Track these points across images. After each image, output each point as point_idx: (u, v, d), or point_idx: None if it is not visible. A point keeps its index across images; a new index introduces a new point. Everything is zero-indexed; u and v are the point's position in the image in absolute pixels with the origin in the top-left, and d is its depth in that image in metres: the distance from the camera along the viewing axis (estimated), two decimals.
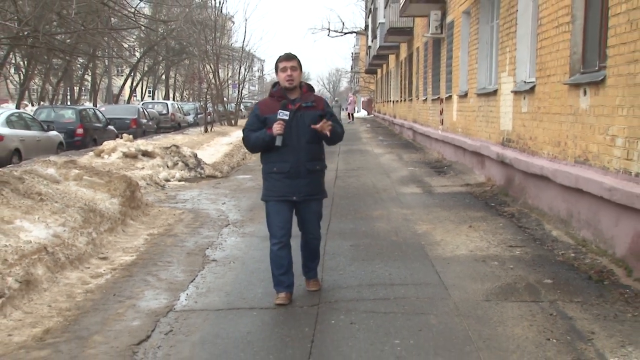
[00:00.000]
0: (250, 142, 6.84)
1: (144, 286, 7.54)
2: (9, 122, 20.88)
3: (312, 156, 6.73)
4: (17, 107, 33.95)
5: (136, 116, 35.53)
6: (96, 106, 39.51)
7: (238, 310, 6.63)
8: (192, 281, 7.74)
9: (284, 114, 6.46)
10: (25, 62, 37.39)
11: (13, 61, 39.40)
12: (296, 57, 6.76)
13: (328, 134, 6.59)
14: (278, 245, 6.72)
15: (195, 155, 19.39)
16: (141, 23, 19.01)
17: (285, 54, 6.78)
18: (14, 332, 6.05)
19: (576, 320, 6.17)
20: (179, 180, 17.14)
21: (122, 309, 6.72)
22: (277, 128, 6.45)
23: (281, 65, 6.66)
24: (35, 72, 40.99)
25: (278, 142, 6.48)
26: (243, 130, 6.91)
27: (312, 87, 7.10)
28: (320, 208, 7.07)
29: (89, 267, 8.19)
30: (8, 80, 48.54)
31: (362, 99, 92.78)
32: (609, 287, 7.15)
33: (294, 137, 6.59)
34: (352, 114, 64.02)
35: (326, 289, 6.97)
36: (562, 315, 6.30)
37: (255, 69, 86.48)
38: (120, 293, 7.27)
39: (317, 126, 6.53)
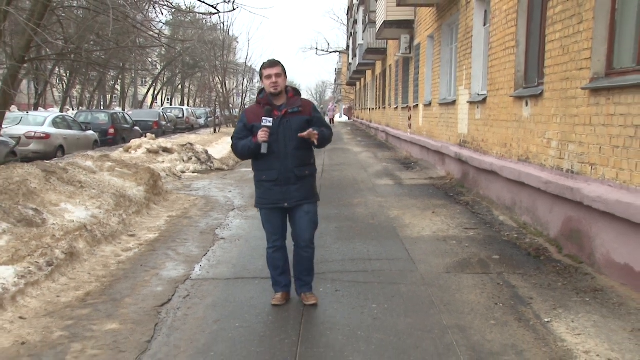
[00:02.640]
0: (238, 151, 5.78)
1: (165, 259, 7.53)
2: (55, 123, 20.92)
3: (300, 162, 5.63)
4: (61, 111, 33.75)
5: (157, 119, 35.70)
6: (124, 110, 39.35)
7: (243, 280, 6.63)
8: (204, 255, 7.72)
9: (267, 121, 5.44)
10: (68, 74, 37.26)
11: (57, 73, 39.22)
12: (280, 63, 5.70)
13: (315, 142, 5.56)
14: (272, 249, 5.82)
15: (206, 152, 19.34)
16: (163, 42, 18.96)
17: (269, 61, 5.70)
18: (61, 294, 6.09)
19: (518, 288, 6.22)
20: (193, 172, 17.12)
21: (148, 277, 6.73)
22: (261, 135, 5.43)
23: (265, 72, 5.58)
24: (76, 82, 40.85)
25: (263, 149, 5.46)
26: (231, 138, 5.87)
27: (298, 91, 5.93)
28: (313, 210, 5.81)
29: (120, 243, 8.20)
30: (54, 89, 48.25)
31: (344, 106, 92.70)
32: (544, 262, 7.19)
33: (280, 144, 5.54)
34: (333, 119, 63.99)
35: (315, 263, 6.91)
36: (507, 285, 6.34)
37: (255, 80, 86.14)
38: (146, 264, 7.28)
39: (305, 134, 5.48)
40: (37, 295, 5.94)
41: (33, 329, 5.20)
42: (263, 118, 5.46)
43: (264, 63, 5.67)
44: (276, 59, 5.76)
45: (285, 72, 5.72)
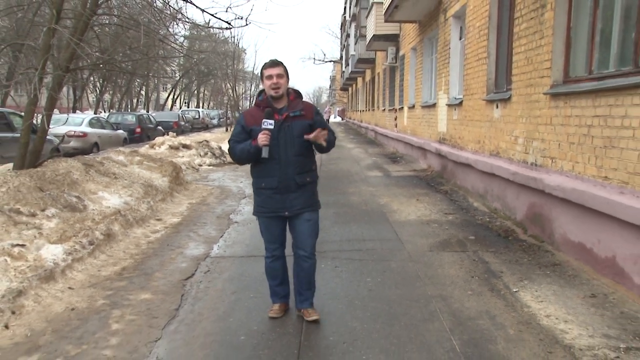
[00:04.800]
0: (235, 155, 4.63)
1: (188, 239, 7.57)
2: (91, 124, 21.02)
3: (301, 169, 4.58)
4: (95, 113, 33.74)
5: (177, 120, 35.77)
6: (149, 112, 39.32)
7: (255, 257, 6.63)
8: (221, 236, 7.75)
9: (269, 124, 4.40)
10: (101, 81, 37.29)
11: (92, 80, 39.20)
12: (282, 63, 4.60)
13: (324, 143, 4.53)
14: (271, 259, 4.80)
15: (220, 148, 19.32)
16: (184, 53, 19.03)
17: (271, 60, 4.58)
18: (101, 268, 6.17)
19: (491, 264, 6.27)
20: (209, 165, 17.14)
21: (173, 255, 6.77)
22: (262, 139, 4.36)
23: (266, 72, 4.50)
24: (108, 88, 40.85)
25: (264, 153, 4.40)
26: (229, 142, 4.72)
27: (299, 93, 4.79)
28: (314, 218, 4.79)
29: (149, 226, 8.25)
30: (89, 94, 48.21)
31: (337, 109, 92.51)
32: (512, 241, 7.24)
33: (281, 149, 4.48)
34: (328, 120, 63.79)
35: (317, 243, 6.97)
36: (482, 261, 6.39)
37: (261, 86, 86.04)
38: (171, 244, 7.31)
39: (311, 136, 4.46)
40: (82, 270, 6.01)
41: (80, 297, 5.28)
42: (264, 120, 4.43)
43: (265, 62, 4.60)
44: (278, 59, 4.63)
45: (288, 74, 4.63)
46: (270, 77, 4.49)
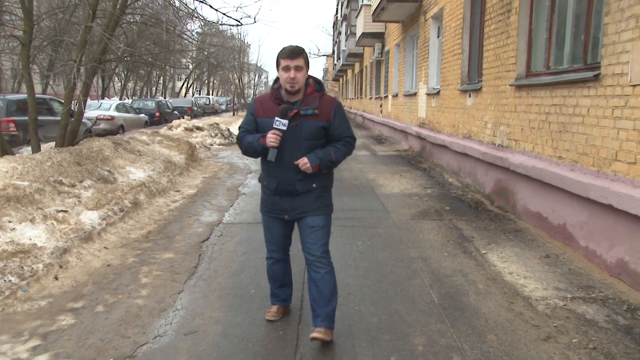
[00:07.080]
0: (242, 147, 3.51)
1: (203, 208, 7.60)
2: (117, 108, 21.02)
3: (305, 175, 3.38)
4: (120, 99, 33.60)
5: (191, 105, 35.63)
6: (166, 99, 39.12)
7: (261, 224, 6.63)
8: (231, 206, 7.78)
9: (281, 124, 3.26)
10: (125, 72, 37.10)
11: (117, 71, 39.00)
12: (302, 52, 3.31)
13: (302, 169, 3.34)
14: (271, 261, 3.77)
15: (228, 129, 19.34)
16: (199, 47, 18.94)
17: (289, 49, 3.28)
18: (130, 232, 6.22)
19: (463, 230, 6.34)
20: (219, 145, 17.14)
21: (191, 221, 6.80)
22: (271, 139, 3.25)
23: (283, 62, 3.26)
24: (130, 78, 40.63)
25: (271, 156, 3.31)
26: (239, 128, 3.56)
27: (321, 85, 3.49)
28: (321, 223, 3.51)
29: (169, 196, 8.28)
30: (114, 83, 47.91)
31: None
32: (482, 211, 7.30)
33: (285, 150, 3.32)
34: None
35: None
36: (456, 228, 6.45)
37: (263, 76, 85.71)
38: (189, 212, 7.35)
39: (299, 164, 3.33)
40: (114, 232, 6.07)
41: (114, 255, 5.35)
42: (276, 119, 3.28)
43: (283, 49, 3.31)
44: (299, 46, 3.34)
45: (308, 64, 3.35)
46: (287, 68, 3.28)
